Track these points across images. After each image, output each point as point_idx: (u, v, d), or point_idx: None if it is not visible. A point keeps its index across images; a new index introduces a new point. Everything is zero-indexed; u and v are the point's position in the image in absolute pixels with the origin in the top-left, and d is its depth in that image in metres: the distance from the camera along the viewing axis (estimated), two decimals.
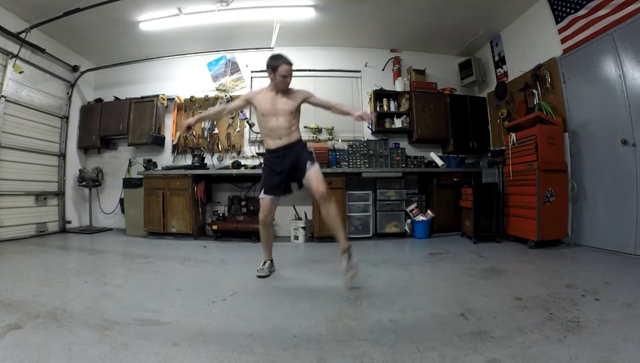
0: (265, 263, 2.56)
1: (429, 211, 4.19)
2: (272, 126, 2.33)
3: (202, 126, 4.88)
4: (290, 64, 2.27)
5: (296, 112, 2.39)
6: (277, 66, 2.25)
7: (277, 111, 2.31)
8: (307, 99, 2.42)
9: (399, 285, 2.20)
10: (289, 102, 2.34)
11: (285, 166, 2.32)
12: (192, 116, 4.90)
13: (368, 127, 4.90)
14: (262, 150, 4.66)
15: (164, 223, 4.23)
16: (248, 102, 2.46)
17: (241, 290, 2.09)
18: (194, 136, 4.89)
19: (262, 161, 4.53)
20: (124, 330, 1.47)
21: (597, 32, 3.12)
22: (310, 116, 4.45)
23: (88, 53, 4.97)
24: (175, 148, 4.95)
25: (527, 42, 4.01)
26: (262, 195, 2.41)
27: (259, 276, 2.41)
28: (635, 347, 1.25)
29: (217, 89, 4.97)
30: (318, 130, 4.79)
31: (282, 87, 2.31)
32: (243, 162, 4.61)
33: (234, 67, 5.00)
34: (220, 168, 4.57)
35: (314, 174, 2.27)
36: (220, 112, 2.65)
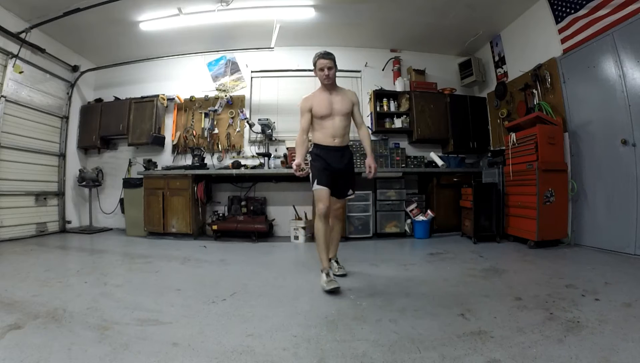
0: (329, 270, 2.19)
1: (429, 211, 4.19)
2: (328, 126, 2.30)
3: (202, 126, 4.88)
4: (325, 55, 2.24)
5: (350, 115, 2.38)
6: (315, 61, 2.27)
7: (333, 110, 2.29)
8: (354, 107, 2.40)
9: (399, 285, 2.20)
10: (344, 101, 2.32)
11: (337, 166, 2.30)
12: (192, 116, 4.93)
13: (368, 127, 4.89)
14: (262, 150, 4.66)
15: (164, 223, 4.23)
16: (310, 112, 2.30)
17: (241, 290, 2.09)
18: (194, 136, 4.89)
19: (262, 161, 4.57)
20: (124, 330, 1.47)
21: (597, 32, 3.12)
22: None
23: (88, 53, 4.97)
24: (175, 148, 4.95)
25: (527, 42, 4.01)
26: (316, 186, 2.26)
27: (331, 290, 2.01)
28: (635, 347, 1.25)
29: (217, 89, 4.98)
30: None
31: (326, 82, 2.28)
32: (243, 162, 4.61)
33: (234, 67, 5.00)
34: (220, 168, 4.57)
35: (345, 201, 2.47)
36: (304, 137, 2.34)
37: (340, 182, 2.36)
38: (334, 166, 2.30)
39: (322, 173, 2.28)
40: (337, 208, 2.41)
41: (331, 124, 2.30)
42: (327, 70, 2.25)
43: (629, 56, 2.88)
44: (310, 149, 2.40)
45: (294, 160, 2.24)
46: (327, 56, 2.25)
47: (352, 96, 2.41)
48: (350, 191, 2.42)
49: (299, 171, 2.21)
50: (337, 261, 2.50)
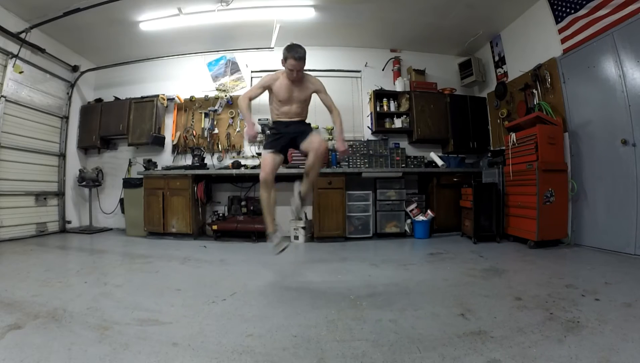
0: (274, 233, 2.36)
1: (429, 211, 4.19)
2: (285, 110, 2.41)
3: (202, 126, 4.88)
4: (298, 59, 2.25)
5: (308, 100, 2.47)
6: (287, 58, 2.26)
7: (292, 99, 2.38)
8: (318, 92, 2.46)
9: (399, 285, 2.20)
10: (303, 92, 2.40)
11: (289, 131, 2.39)
12: (192, 116, 4.93)
13: (368, 127, 4.90)
14: (261, 150, 4.65)
15: (164, 223, 4.23)
16: (266, 88, 2.44)
17: (241, 290, 2.09)
18: (194, 136, 4.89)
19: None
20: (124, 330, 1.47)
21: (597, 32, 3.12)
22: (310, 116, 4.43)
23: (88, 53, 4.97)
24: (175, 148, 4.95)
25: (527, 42, 4.01)
26: (263, 151, 2.42)
27: (280, 251, 2.31)
28: (635, 347, 1.25)
29: (217, 89, 4.97)
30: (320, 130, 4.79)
31: (290, 77, 2.33)
32: (243, 162, 4.61)
33: (234, 67, 5.00)
34: (220, 168, 4.57)
35: (316, 136, 2.37)
36: (247, 102, 2.46)
37: (298, 139, 2.37)
38: (288, 135, 2.39)
39: (271, 140, 2.41)
40: (315, 146, 2.29)
41: (288, 110, 2.41)
42: (296, 72, 2.29)
43: (629, 56, 2.88)
44: (270, 126, 2.54)
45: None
46: (300, 58, 2.25)
47: (314, 83, 2.45)
48: (312, 133, 2.39)
49: (254, 139, 2.40)
50: (302, 198, 2.49)
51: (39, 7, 3.74)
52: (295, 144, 2.41)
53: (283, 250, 2.33)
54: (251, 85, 5.00)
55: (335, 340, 1.39)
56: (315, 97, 2.50)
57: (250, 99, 2.47)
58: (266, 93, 2.46)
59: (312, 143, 2.30)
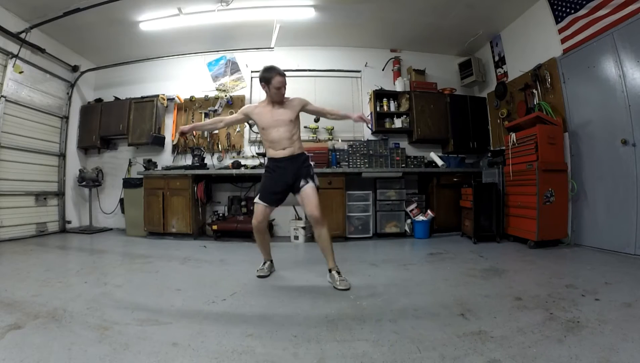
0: (265, 263, 2.57)
1: (429, 211, 4.19)
2: (274, 138, 2.32)
3: None
4: (283, 75, 2.26)
5: (296, 121, 2.38)
6: (271, 78, 2.24)
7: (277, 122, 2.30)
8: (304, 107, 2.42)
9: (399, 285, 2.20)
10: (287, 111, 2.33)
11: (287, 179, 2.31)
12: (192, 116, 4.94)
13: (368, 127, 4.90)
14: (261, 150, 4.66)
15: (164, 223, 4.23)
16: (246, 117, 2.47)
17: (241, 290, 2.09)
18: (194, 136, 4.89)
19: (262, 161, 4.58)
20: (124, 330, 1.47)
21: (597, 32, 3.12)
22: (310, 116, 4.45)
23: (88, 53, 4.97)
24: (175, 148, 4.95)
25: (527, 42, 4.01)
26: (257, 200, 2.36)
27: (259, 276, 2.42)
28: (635, 347, 1.25)
29: (217, 89, 4.97)
30: (318, 130, 4.79)
31: (277, 98, 2.31)
32: (243, 162, 4.61)
33: (234, 67, 5.00)
34: (220, 168, 4.57)
35: (310, 194, 2.27)
36: (216, 123, 2.69)
37: (295, 186, 2.33)
38: (280, 181, 2.32)
39: (266, 191, 2.34)
40: (310, 215, 2.26)
41: (277, 135, 2.31)
42: (283, 88, 2.29)
43: (629, 56, 2.88)
44: (266, 163, 2.50)
45: None
46: (283, 74, 2.28)
47: (297, 100, 2.42)
48: (302, 182, 2.28)
49: (181, 136, 2.46)
50: (338, 272, 2.20)
51: (39, 7, 3.74)
52: (293, 190, 2.35)
53: (262, 276, 2.42)
54: (251, 85, 5.00)
55: (335, 340, 1.39)
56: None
57: (221, 121, 2.58)
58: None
59: (307, 208, 2.26)
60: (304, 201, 2.29)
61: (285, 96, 2.37)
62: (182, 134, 2.46)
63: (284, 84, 2.28)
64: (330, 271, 2.24)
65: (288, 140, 2.32)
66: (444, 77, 5.07)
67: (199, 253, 3.43)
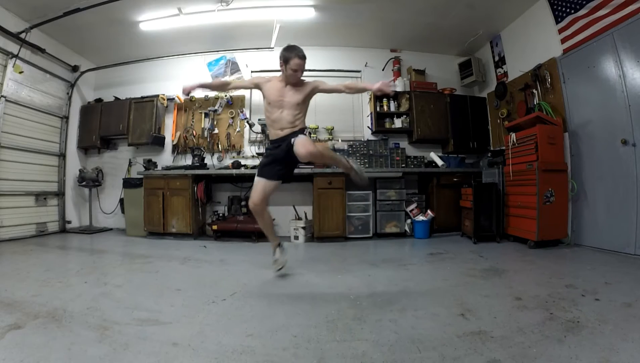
0: (275, 252, 2.43)
1: (429, 211, 4.19)
2: (275, 118, 2.28)
3: (202, 126, 4.88)
4: (302, 58, 2.20)
5: (303, 104, 2.32)
6: (289, 58, 2.18)
7: (283, 103, 2.26)
8: (317, 88, 2.35)
9: (399, 285, 2.20)
10: (296, 95, 2.27)
11: (281, 153, 2.25)
12: (192, 116, 4.93)
13: (368, 127, 4.91)
14: (262, 150, 4.66)
15: (164, 223, 4.22)
16: (256, 86, 2.38)
17: (241, 290, 2.09)
18: (194, 136, 4.89)
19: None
20: (124, 330, 1.47)
21: (597, 32, 3.12)
22: (310, 116, 4.42)
23: (88, 53, 4.97)
24: (175, 148, 4.94)
25: (527, 42, 4.01)
26: (256, 178, 2.35)
27: (279, 271, 2.35)
28: (635, 347, 1.25)
29: None
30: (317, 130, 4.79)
31: (292, 80, 2.25)
32: (243, 162, 4.61)
33: (234, 67, 5.00)
34: (220, 168, 4.57)
35: (299, 141, 2.14)
36: (224, 85, 2.54)
37: (291, 153, 2.22)
38: (281, 158, 2.28)
39: (264, 166, 2.33)
40: (304, 153, 2.12)
41: (279, 116, 2.28)
42: (300, 72, 2.23)
43: (629, 56, 2.88)
44: (266, 147, 2.45)
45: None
46: (304, 57, 2.22)
47: (313, 84, 2.34)
48: (293, 139, 2.17)
49: (186, 93, 2.33)
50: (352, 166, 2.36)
51: (39, 7, 3.74)
52: (293, 162, 2.30)
53: (280, 269, 2.35)
54: None
55: (335, 340, 1.39)
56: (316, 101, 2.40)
57: (228, 84, 2.47)
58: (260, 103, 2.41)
59: (298, 149, 2.10)
60: (296, 148, 2.11)
61: (302, 78, 2.31)
62: (187, 93, 2.35)
63: (301, 68, 2.21)
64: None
65: (289, 123, 2.27)
66: (444, 77, 5.07)
67: (199, 253, 3.43)
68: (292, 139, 2.17)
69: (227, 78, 2.44)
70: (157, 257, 3.13)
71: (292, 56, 2.18)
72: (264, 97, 2.37)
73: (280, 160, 2.29)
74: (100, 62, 5.10)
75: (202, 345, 1.34)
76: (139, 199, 4.36)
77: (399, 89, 4.83)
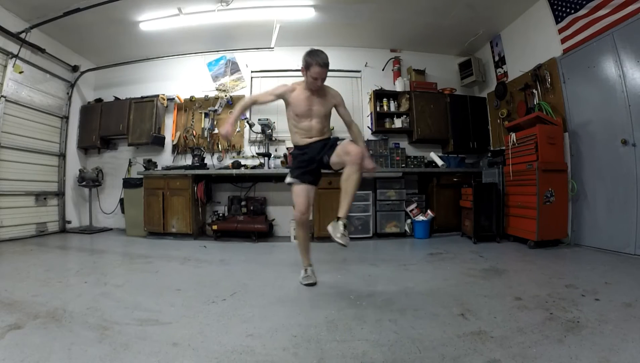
0: (306, 269, 2.28)
1: (429, 211, 4.19)
2: (305, 126, 2.22)
3: (202, 126, 4.88)
4: (323, 65, 2.08)
5: (329, 114, 2.29)
6: (310, 65, 2.07)
7: (312, 112, 2.19)
8: (337, 106, 2.29)
9: (399, 285, 2.20)
10: (323, 106, 2.22)
11: (313, 154, 2.19)
12: (192, 116, 4.92)
13: (368, 127, 4.90)
14: (262, 150, 4.66)
15: (164, 223, 4.22)
16: (280, 97, 2.25)
17: (241, 290, 2.09)
18: (194, 136, 4.89)
19: (262, 161, 4.58)
20: (124, 330, 1.47)
21: (597, 32, 3.12)
22: None
23: (88, 53, 4.97)
24: (175, 148, 4.95)
25: (527, 42, 4.01)
26: (291, 179, 2.22)
27: (308, 284, 2.19)
28: (635, 347, 1.25)
29: (217, 89, 4.98)
30: None
31: (312, 87, 2.16)
32: (243, 162, 4.61)
33: (234, 67, 5.00)
34: (220, 168, 4.57)
35: (346, 142, 2.10)
36: (248, 106, 2.35)
37: (324, 155, 2.19)
38: (314, 162, 2.20)
39: (298, 169, 2.22)
40: (347, 154, 2.03)
41: (308, 126, 2.22)
42: (320, 81, 2.13)
43: (629, 56, 2.88)
44: (291, 151, 2.37)
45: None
46: (325, 65, 2.10)
47: (334, 96, 2.28)
48: (338, 142, 2.16)
49: (230, 136, 2.21)
50: (345, 225, 1.96)
51: (39, 7, 3.74)
52: (322, 165, 2.20)
53: (311, 284, 2.19)
54: (251, 85, 5.00)
55: (335, 340, 1.39)
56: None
57: (255, 102, 2.33)
58: (281, 109, 2.26)
59: (348, 153, 1.99)
60: (347, 152, 2.02)
61: (325, 85, 2.23)
62: (229, 133, 2.18)
63: (321, 76, 2.09)
64: (338, 219, 1.97)
65: (318, 131, 2.23)
66: (444, 77, 5.07)
67: (199, 253, 3.43)
68: (337, 143, 2.13)
69: (250, 97, 2.30)
70: (157, 257, 3.13)
71: (313, 62, 2.07)
72: (287, 105, 2.25)
73: (311, 164, 2.22)
74: (100, 62, 5.10)
75: (202, 345, 1.34)
76: (139, 199, 4.36)
77: (399, 89, 4.84)
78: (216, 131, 4.84)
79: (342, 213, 1.98)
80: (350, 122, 2.34)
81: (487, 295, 1.92)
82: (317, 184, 2.30)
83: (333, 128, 4.77)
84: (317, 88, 2.17)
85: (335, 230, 1.93)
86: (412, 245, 3.83)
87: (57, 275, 2.40)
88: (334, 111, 2.32)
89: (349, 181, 1.99)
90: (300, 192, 2.19)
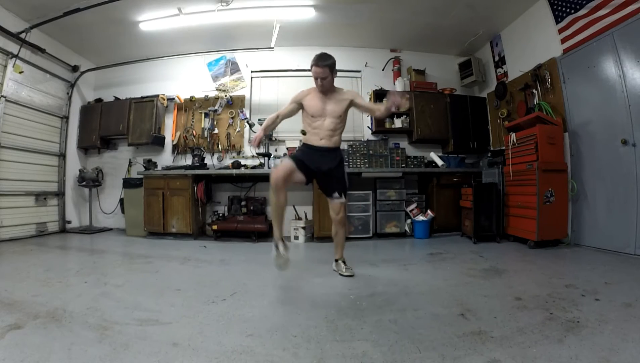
0: (277, 247, 2.21)
1: (429, 211, 4.19)
2: (318, 126, 2.33)
3: (202, 126, 4.88)
4: (315, 65, 2.20)
5: (344, 116, 2.37)
6: (311, 67, 2.22)
7: (326, 112, 2.30)
8: (354, 101, 2.37)
9: (399, 285, 2.20)
10: (338, 106, 2.31)
11: (320, 166, 2.31)
12: (192, 116, 4.93)
13: (368, 127, 4.91)
14: (262, 150, 4.66)
15: (164, 223, 4.22)
16: (299, 105, 2.40)
17: (241, 290, 2.09)
18: (194, 136, 4.89)
19: (262, 161, 4.58)
20: (124, 330, 1.47)
21: (597, 32, 3.12)
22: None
23: (88, 53, 4.97)
24: (175, 148, 4.95)
25: (527, 42, 4.01)
26: (287, 157, 2.34)
27: (279, 266, 2.24)
28: (635, 347, 1.25)
29: (217, 89, 4.98)
30: None
31: (319, 88, 2.28)
32: (243, 162, 4.61)
33: (234, 67, 5.00)
34: (220, 168, 4.57)
35: (339, 208, 2.38)
36: (275, 121, 2.45)
37: (327, 182, 2.39)
38: (316, 164, 2.31)
39: (299, 155, 2.33)
40: (335, 216, 2.40)
41: (320, 125, 2.32)
42: (320, 80, 2.22)
43: (629, 56, 2.88)
44: (300, 146, 2.51)
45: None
46: (322, 63, 2.18)
47: (347, 94, 2.38)
48: (336, 194, 2.36)
49: (256, 144, 2.37)
50: (344, 262, 2.50)
51: (39, 7, 3.74)
52: (317, 179, 2.39)
53: (279, 267, 2.23)
54: (251, 85, 5.01)
55: (335, 340, 1.39)
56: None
57: (279, 116, 2.42)
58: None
59: (337, 214, 2.38)
60: (333, 210, 2.42)
61: (336, 86, 2.35)
62: (257, 144, 2.39)
63: (318, 75, 2.21)
64: (337, 261, 2.48)
65: (330, 131, 2.33)
66: (444, 77, 5.07)
67: (199, 253, 3.43)
68: (336, 195, 2.36)
69: (274, 115, 2.43)
70: (157, 257, 3.13)
71: (311, 63, 2.22)
72: (303, 109, 2.39)
73: (312, 165, 2.30)
74: (100, 62, 5.10)
75: (202, 345, 1.34)
76: (139, 199, 4.36)
77: (399, 89, 4.84)
78: (216, 131, 4.84)
79: (338, 255, 2.51)
80: (371, 107, 2.50)
81: (487, 295, 1.92)
82: (307, 182, 2.38)
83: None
84: (324, 89, 2.27)
85: (339, 268, 2.44)
86: (412, 245, 3.83)
87: (57, 275, 2.40)
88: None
89: (337, 236, 2.47)
90: (287, 165, 2.23)
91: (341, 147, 2.52)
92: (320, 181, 2.43)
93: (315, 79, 2.22)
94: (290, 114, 2.42)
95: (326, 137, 2.33)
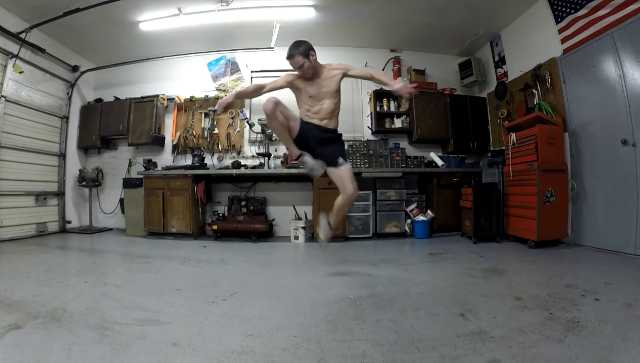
0: (302, 159, 2.27)
1: (429, 211, 4.19)
2: (317, 110, 2.32)
3: (202, 126, 4.88)
4: (290, 57, 2.21)
5: (339, 90, 2.36)
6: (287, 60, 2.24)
7: (322, 93, 2.30)
8: (347, 73, 2.37)
9: (399, 285, 2.20)
10: (331, 81, 2.31)
11: (316, 135, 2.28)
12: (192, 116, 4.93)
13: (368, 127, 4.91)
14: (262, 150, 4.66)
15: (164, 223, 4.23)
16: (290, 84, 2.35)
17: (241, 290, 2.09)
18: (194, 136, 4.89)
19: (262, 161, 4.58)
20: (124, 330, 1.47)
21: (597, 32, 3.12)
22: None
23: (88, 53, 4.97)
24: (175, 148, 4.95)
25: (527, 42, 4.01)
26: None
27: (310, 173, 2.31)
28: (635, 347, 1.25)
29: (217, 89, 4.98)
30: None
31: (305, 75, 2.28)
32: (243, 162, 4.61)
33: (234, 67, 5.00)
34: (220, 168, 4.57)
35: (345, 173, 2.27)
36: (259, 89, 2.33)
37: (328, 150, 2.31)
38: (314, 134, 2.28)
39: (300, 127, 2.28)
40: (345, 184, 2.25)
41: (319, 108, 2.32)
42: (299, 69, 2.24)
43: (629, 56, 2.88)
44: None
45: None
46: (291, 55, 2.21)
47: (338, 68, 2.37)
48: (341, 159, 2.29)
49: (222, 108, 2.26)
50: (329, 223, 2.49)
51: (39, 7, 3.74)
52: (315, 154, 2.30)
53: (318, 169, 2.27)
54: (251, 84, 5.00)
55: (335, 340, 1.39)
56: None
57: (263, 87, 2.31)
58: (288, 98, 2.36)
59: (343, 183, 2.24)
60: (341, 178, 2.27)
61: (321, 63, 2.34)
62: (224, 107, 2.25)
63: (294, 66, 2.23)
64: (328, 223, 2.45)
65: (330, 113, 2.33)
66: (444, 77, 5.07)
67: (199, 253, 3.43)
68: (341, 160, 2.27)
69: (260, 82, 2.39)
70: (157, 257, 3.13)
71: (285, 58, 2.24)
72: (298, 92, 2.36)
73: (310, 138, 2.28)
74: (100, 62, 5.10)
75: (202, 345, 1.34)
76: (139, 199, 4.36)
77: None
78: (216, 131, 4.84)
79: (332, 220, 2.45)
80: (365, 73, 2.48)
81: (487, 295, 1.92)
82: (299, 146, 2.30)
83: None
84: (308, 75, 2.28)
85: (322, 224, 2.44)
86: (412, 245, 3.83)
87: (57, 275, 2.40)
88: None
89: (338, 206, 2.37)
90: (276, 98, 2.14)
91: None
92: (321, 152, 2.31)
93: (296, 69, 2.24)
94: (276, 88, 2.36)
95: (327, 118, 2.34)
